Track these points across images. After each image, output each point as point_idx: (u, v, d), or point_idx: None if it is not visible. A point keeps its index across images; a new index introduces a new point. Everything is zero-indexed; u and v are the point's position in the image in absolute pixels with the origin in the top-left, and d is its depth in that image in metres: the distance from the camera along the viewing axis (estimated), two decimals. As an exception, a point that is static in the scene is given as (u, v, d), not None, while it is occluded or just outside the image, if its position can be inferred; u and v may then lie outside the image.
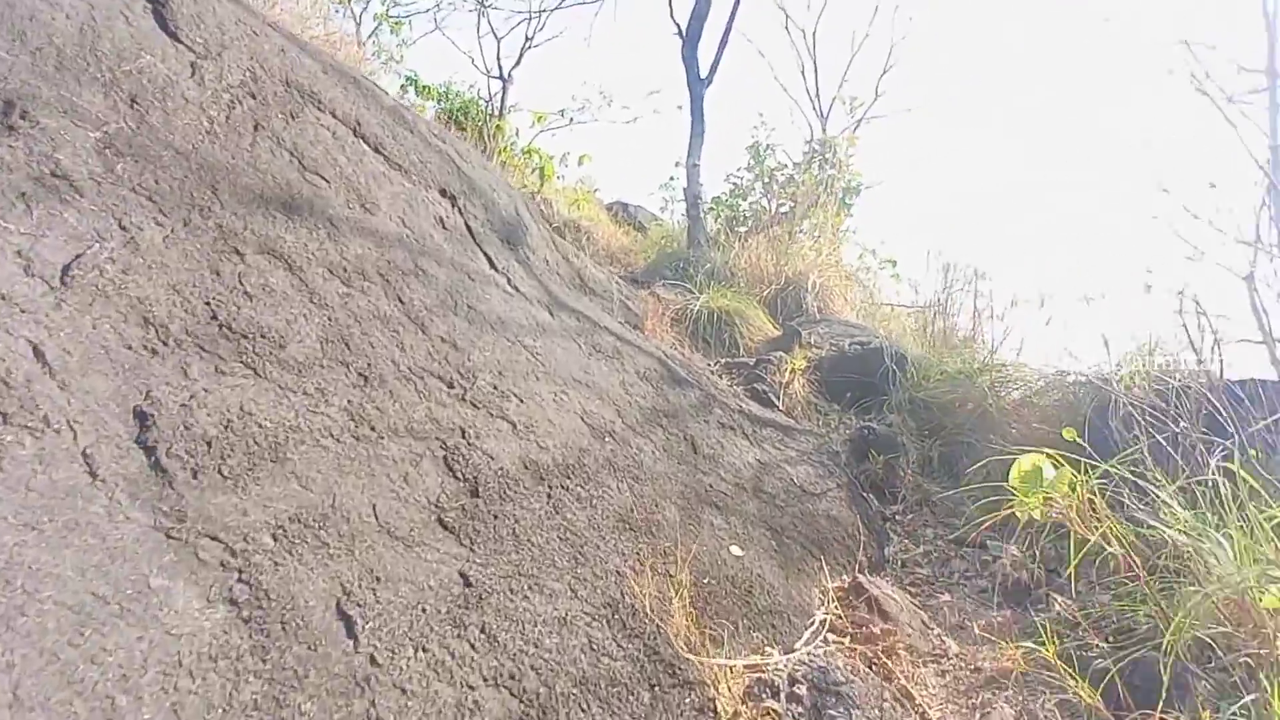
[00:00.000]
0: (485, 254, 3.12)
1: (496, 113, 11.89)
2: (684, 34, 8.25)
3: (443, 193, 3.14)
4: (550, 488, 2.16)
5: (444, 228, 2.96)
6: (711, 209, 10.11)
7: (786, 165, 8.98)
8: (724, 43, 8.27)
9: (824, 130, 10.07)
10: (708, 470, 2.92)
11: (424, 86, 12.69)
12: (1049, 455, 2.22)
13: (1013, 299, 4.81)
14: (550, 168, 8.91)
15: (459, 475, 1.94)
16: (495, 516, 1.89)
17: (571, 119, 10.14)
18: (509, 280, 3.13)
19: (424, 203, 2.95)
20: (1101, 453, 3.50)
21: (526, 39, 13.37)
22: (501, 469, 2.07)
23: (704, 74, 8.32)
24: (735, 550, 2.55)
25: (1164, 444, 2.82)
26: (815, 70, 11.99)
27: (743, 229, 9.25)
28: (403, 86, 12.30)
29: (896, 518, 3.67)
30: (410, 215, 2.80)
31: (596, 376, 2.96)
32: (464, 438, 2.07)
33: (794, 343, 4.98)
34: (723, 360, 4.87)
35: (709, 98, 8.46)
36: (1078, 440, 2.17)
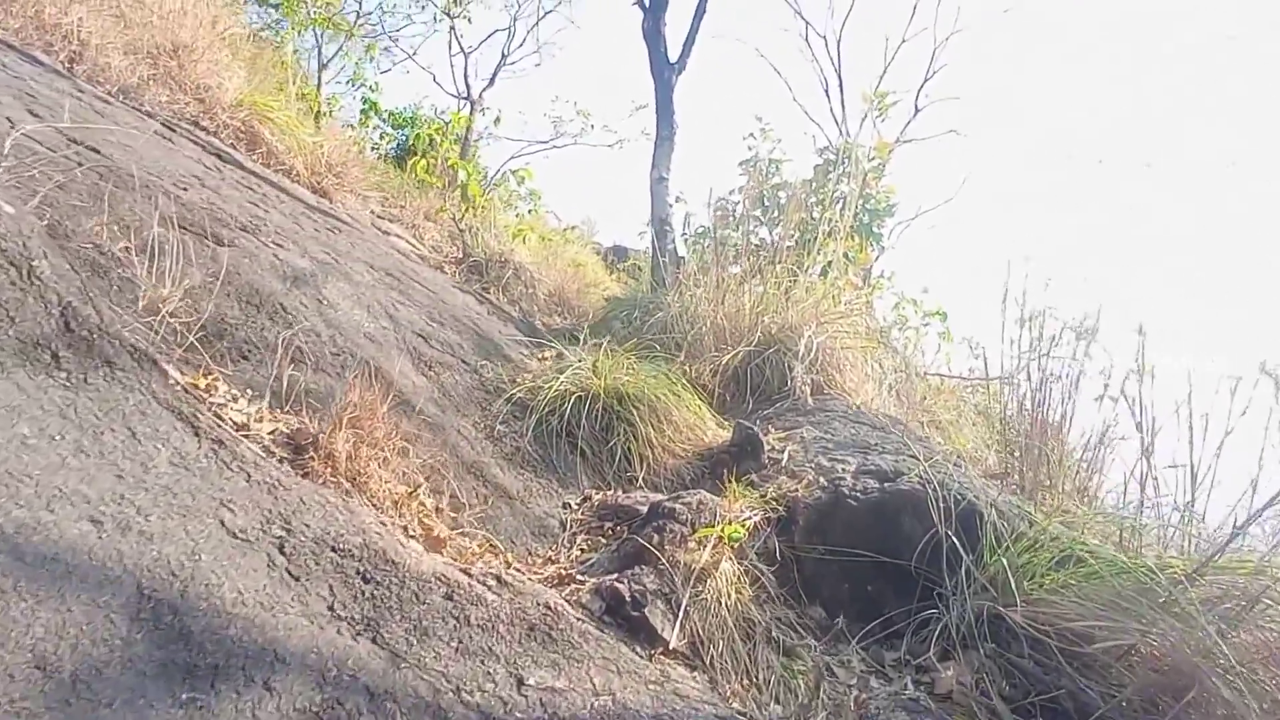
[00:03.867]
0: None
1: (462, 138, 9.88)
2: (645, 1, 6.05)
3: None
4: None
5: None
6: (696, 243, 7.76)
7: (791, 182, 6.60)
8: (700, 13, 6.04)
9: (844, 138, 7.67)
10: None
11: (391, 113, 10.82)
12: None
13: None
14: (476, 186, 6.68)
15: None
16: None
17: (496, 119, 7.97)
18: None
19: None
20: None
21: (502, 56, 11.48)
22: None
23: (675, 56, 6.10)
24: None
25: None
26: (840, 85, 9.71)
27: (736, 268, 6.70)
28: (363, 111, 10.42)
29: None
30: None
31: None
32: None
33: (743, 465, 2.48)
34: (593, 498, 2.40)
35: (683, 89, 6.22)
36: None
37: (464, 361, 2.81)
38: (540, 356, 3.96)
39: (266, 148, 5.02)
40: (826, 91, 9.76)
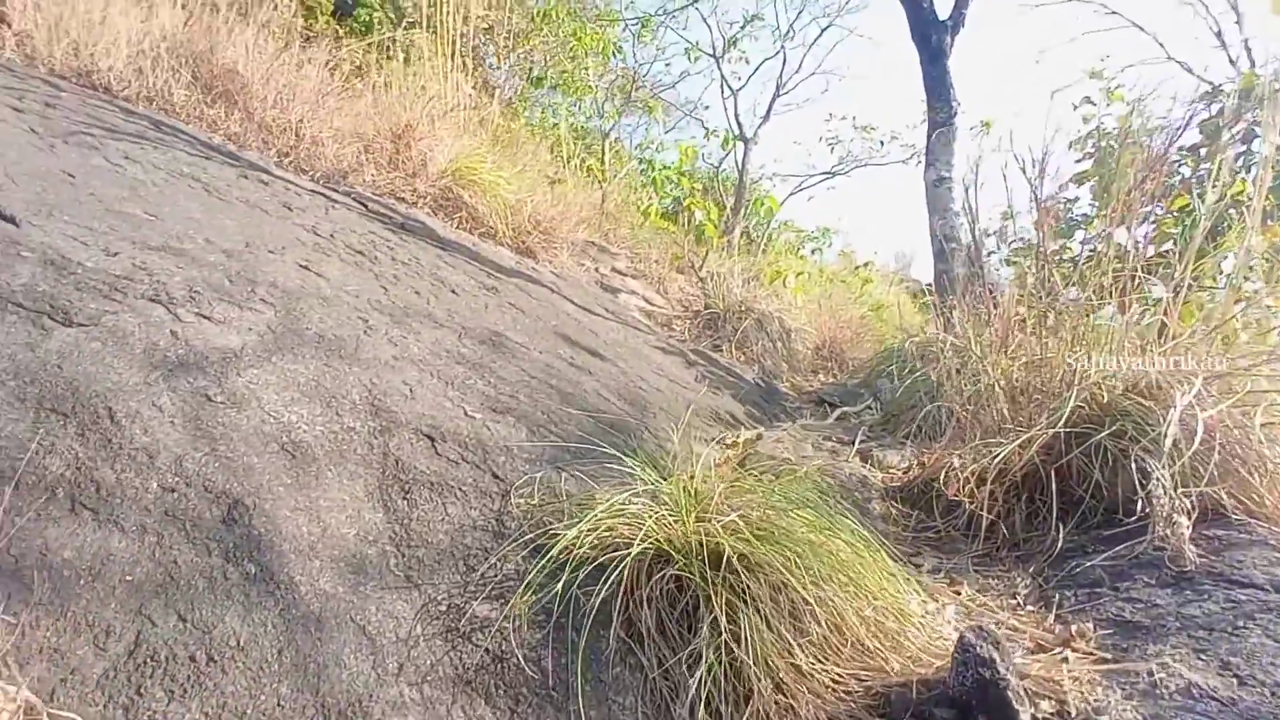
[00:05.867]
0: None
1: (737, 180, 9.16)
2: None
3: None
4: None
5: None
6: (1012, 263, 5.76)
7: (1156, 144, 4.34)
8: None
9: (1256, 76, 5.01)
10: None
11: (665, 168, 10.66)
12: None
13: None
14: (713, 226, 5.66)
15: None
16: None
17: (724, 142, 6.90)
18: None
19: None
20: None
21: (777, 88, 10.52)
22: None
23: (946, 15, 4.40)
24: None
25: None
26: (1239, 21, 6.76)
27: (1077, 292, 4.62)
28: (642, 172, 10.42)
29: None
30: None
31: None
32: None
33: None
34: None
35: (961, 53, 4.38)
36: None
37: (495, 475, 1.74)
38: (732, 444, 2.72)
39: (467, 211, 4.69)
40: (1219, 34, 6.93)
